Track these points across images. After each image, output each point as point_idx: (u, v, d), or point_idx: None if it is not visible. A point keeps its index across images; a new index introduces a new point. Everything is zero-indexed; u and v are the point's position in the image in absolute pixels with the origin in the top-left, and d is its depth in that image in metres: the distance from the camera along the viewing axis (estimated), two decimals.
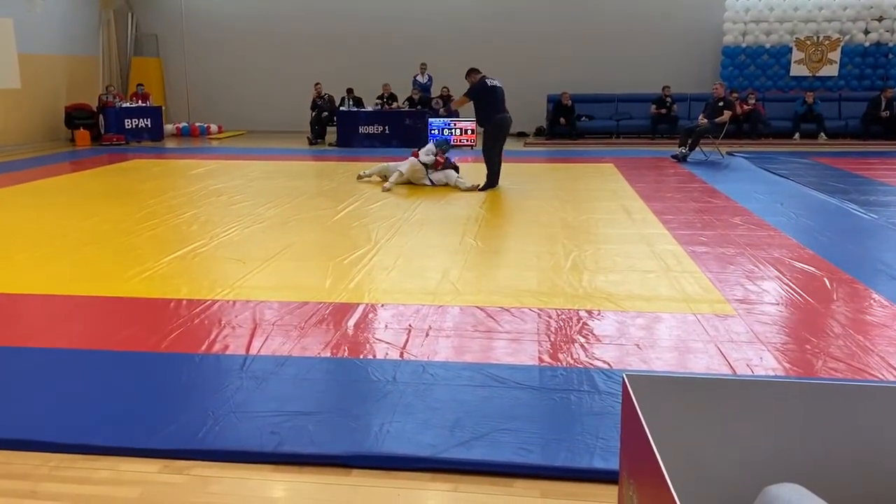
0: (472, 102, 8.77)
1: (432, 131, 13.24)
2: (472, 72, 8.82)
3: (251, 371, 3.27)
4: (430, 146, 9.03)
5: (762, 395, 1.58)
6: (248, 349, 3.53)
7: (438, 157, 8.80)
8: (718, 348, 3.52)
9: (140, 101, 15.14)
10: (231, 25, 16.75)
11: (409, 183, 8.78)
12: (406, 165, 8.77)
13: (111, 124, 14.42)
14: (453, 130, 13.20)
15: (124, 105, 14.85)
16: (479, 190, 8.48)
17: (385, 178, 8.87)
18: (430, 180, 8.73)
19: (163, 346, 3.58)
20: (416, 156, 8.89)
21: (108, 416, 2.85)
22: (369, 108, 14.31)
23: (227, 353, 3.49)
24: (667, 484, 1.21)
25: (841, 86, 14.97)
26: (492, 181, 8.57)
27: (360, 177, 9.12)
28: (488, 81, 8.60)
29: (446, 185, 8.67)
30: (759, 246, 5.55)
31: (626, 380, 1.64)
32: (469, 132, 13.10)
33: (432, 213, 7.09)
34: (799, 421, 1.61)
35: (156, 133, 14.93)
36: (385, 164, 9.13)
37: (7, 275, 4.91)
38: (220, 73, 16.94)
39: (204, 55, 16.95)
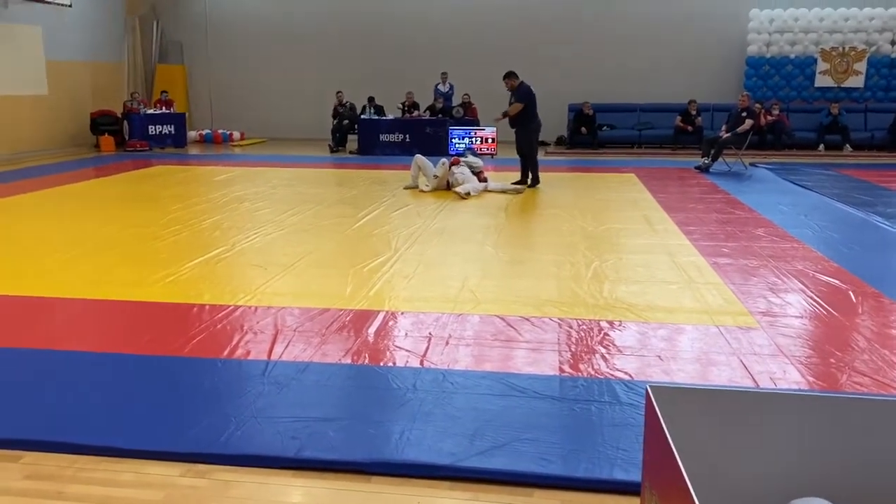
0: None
1: (453, 139, 13.27)
2: (512, 75, 9.28)
3: (273, 376, 3.29)
4: (472, 161, 9.33)
5: (787, 409, 1.56)
6: (269, 355, 3.55)
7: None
8: (741, 361, 3.49)
9: (164, 108, 15.32)
10: (254, 33, 16.92)
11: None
12: (440, 170, 9.03)
13: (135, 130, 14.60)
14: (474, 139, 13.22)
15: (148, 111, 15.03)
16: (530, 187, 9.21)
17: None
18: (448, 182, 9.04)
19: (186, 350, 3.62)
20: (457, 163, 9.21)
21: (132, 418, 2.88)
22: (390, 117, 14.38)
23: (249, 358, 3.52)
24: (691, 496, 1.21)
25: (867, 97, 14.80)
26: (536, 178, 9.30)
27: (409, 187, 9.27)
28: (531, 86, 9.19)
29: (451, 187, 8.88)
30: (783, 258, 5.50)
31: (649, 391, 1.63)
32: (490, 141, 13.11)
33: (452, 221, 7.10)
34: (824, 435, 1.60)
35: (179, 139, 15.10)
36: (419, 167, 9.28)
37: (34, 278, 4.98)
38: (243, 80, 17.10)
39: (227, 62, 17.13)
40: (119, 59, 16.37)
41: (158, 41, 17.25)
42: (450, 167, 9.04)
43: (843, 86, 14.79)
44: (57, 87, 14.04)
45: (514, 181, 9.34)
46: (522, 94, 9.11)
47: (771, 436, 1.60)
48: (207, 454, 2.62)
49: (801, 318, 4.18)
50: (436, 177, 8.98)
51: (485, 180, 9.29)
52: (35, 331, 3.97)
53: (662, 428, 1.47)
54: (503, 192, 8.96)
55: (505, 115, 9.37)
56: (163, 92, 15.84)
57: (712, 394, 1.69)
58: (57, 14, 13.95)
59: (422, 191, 8.95)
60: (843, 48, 14.69)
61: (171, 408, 2.98)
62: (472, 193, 8.57)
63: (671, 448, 1.38)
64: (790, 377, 3.32)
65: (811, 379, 3.31)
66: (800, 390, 3.19)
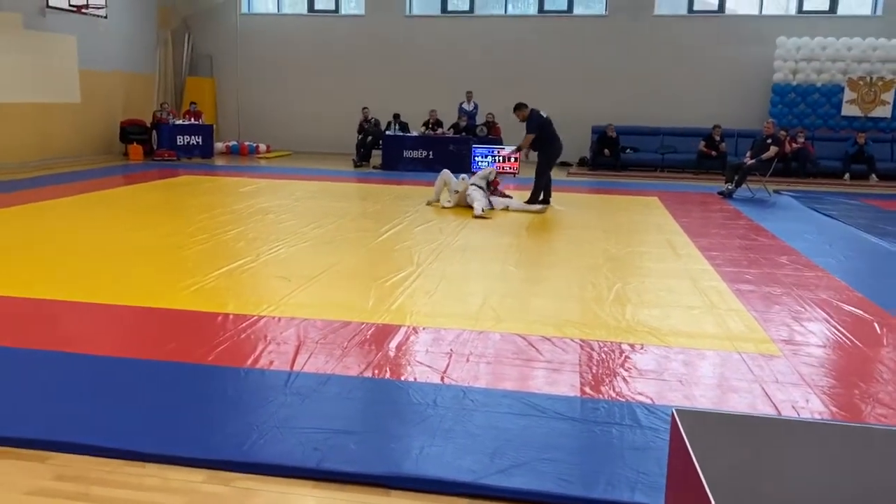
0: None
1: (476, 157, 13.34)
2: (521, 106, 9.41)
3: (295, 387, 3.32)
4: (486, 172, 9.30)
5: (817, 438, 1.56)
6: (292, 365, 3.58)
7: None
8: (763, 388, 3.47)
9: (192, 119, 15.54)
10: (283, 49, 17.16)
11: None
12: (460, 185, 9.03)
13: (164, 140, 14.83)
14: (497, 158, 13.27)
15: (177, 122, 15.26)
16: (530, 202, 9.15)
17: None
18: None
19: (210, 358, 3.66)
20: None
21: (157, 423, 2.92)
22: (414, 133, 14.49)
23: (272, 368, 3.56)
24: None
25: (894, 127, 14.69)
26: (537, 198, 9.29)
27: (429, 202, 9.30)
28: (542, 112, 9.19)
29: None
30: (806, 287, 5.46)
31: (675, 415, 1.64)
32: (513, 160, 13.15)
33: (474, 238, 7.12)
34: (850, 466, 1.59)
35: (206, 150, 15.30)
36: (445, 183, 9.28)
37: (61, 282, 5.07)
38: (270, 94, 17.34)
39: (256, 76, 17.38)
40: (150, 70, 16.66)
41: (189, 54, 17.56)
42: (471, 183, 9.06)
43: (869, 115, 14.69)
44: (89, 96, 14.31)
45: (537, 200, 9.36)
46: (532, 125, 9.27)
47: (799, 465, 1.59)
48: (230, 461, 2.65)
49: (825, 347, 4.15)
50: (455, 192, 9.00)
51: (508, 197, 9.32)
52: (61, 334, 4.04)
53: (689, 452, 1.47)
54: (525, 211, 8.96)
55: (519, 149, 9.56)
56: (192, 103, 16.09)
57: (739, 420, 1.69)
58: (92, 25, 14.25)
59: (444, 207, 8.99)
60: (871, 78, 14.61)
61: (195, 415, 3.02)
62: (484, 210, 8.52)
63: (698, 473, 1.39)
64: (813, 406, 3.29)
65: (834, 409, 3.28)
66: (829, 420, 3.17)
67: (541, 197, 9.36)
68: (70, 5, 13.49)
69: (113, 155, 14.95)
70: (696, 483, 1.39)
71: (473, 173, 9.78)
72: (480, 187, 8.93)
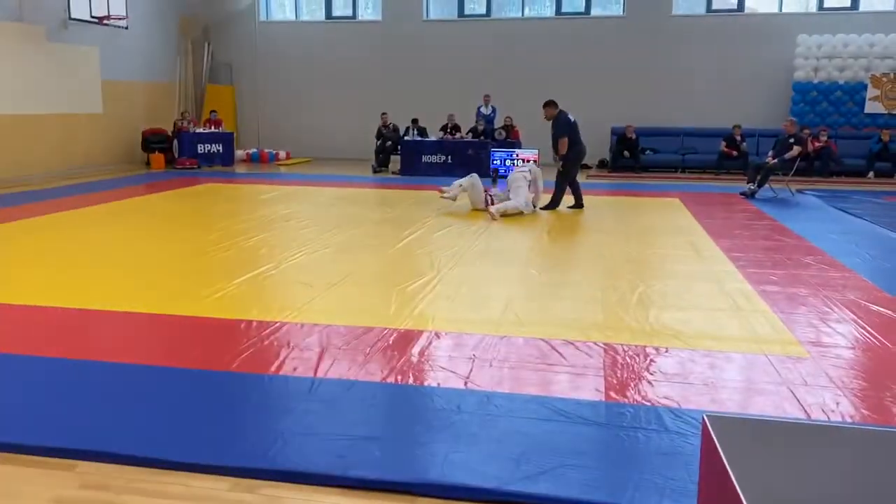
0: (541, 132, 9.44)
1: (494, 161, 13.31)
2: (551, 104, 9.27)
3: (319, 393, 3.32)
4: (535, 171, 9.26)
5: (853, 443, 1.53)
6: (315, 372, 3.58)
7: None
8: (791, 391, 3.42)
9: (213, 127, 15.66)
10: (301, 56, 17.26)
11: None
12: (466, 182, 9.01)
13: (185, 149, 14.95)
14: (515, 161, 13.23)
15: (198, 130, 15.39)
16: (542, 208, 9.09)
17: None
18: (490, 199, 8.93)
19: (234, 365, 3.67)
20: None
21: (182, 431, 2.93)
22: (433, 138, 14.49)
23: (296, 374, 3.56)
24: None
25: None
26: (554, 204, 9.25)
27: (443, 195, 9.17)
28: (570, 116, 9.15)
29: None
30: (833, 287, 5.38)
31: (706, 420, 1.61)
32: (532, 162, 13.09)
33: (495, 243, 7.10)
34: (886, 472, 1.56)
35: (227, 158, 15.40)
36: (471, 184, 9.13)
37: (86, 291, 5.11)
38: (290, 101, 17.44)
39: (275, 84, 17.49)
40: (171, 80, 16.82)
41: (209, 62, 17.70)
42: (490, 199, 8.89)
43: (894, 112, 14.47)
44: (111, 106, 14.48)
45: (569, 205, 9.35)
46: (561, 128, 9.12)
47: (833, 472, 1.56)
48: (255, 469, 2.65)
49: (854, 349, 4.08)
50: (460, 186, 8.95)
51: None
52: (86, 343, 4.07)
53: (722, 458, 1.45)
54: (507, 214, 8.67)
55: (563, 157, 9.26)
56: (212, 111, 16.22)
57: (771, 425, 1.66)
58: (113, 36, 14.42)
59: (442, 198, 8.95)
60: (895, 74, 14.39)
61: (219, 422, 3.02)
62: (508, 210, 8.52)
63: (731, 479, 1.36)
64: (843, 410, 3.23)
65: (865, 412, 3.22)
66: (864, 425, 3.11)
67: (563, 202, 9.28)
68: (92, 17, 13.66)
69: (135, 164, 15.10)
70: (730, 490, 1.36)
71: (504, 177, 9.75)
72: (528, 180, 8.95)
